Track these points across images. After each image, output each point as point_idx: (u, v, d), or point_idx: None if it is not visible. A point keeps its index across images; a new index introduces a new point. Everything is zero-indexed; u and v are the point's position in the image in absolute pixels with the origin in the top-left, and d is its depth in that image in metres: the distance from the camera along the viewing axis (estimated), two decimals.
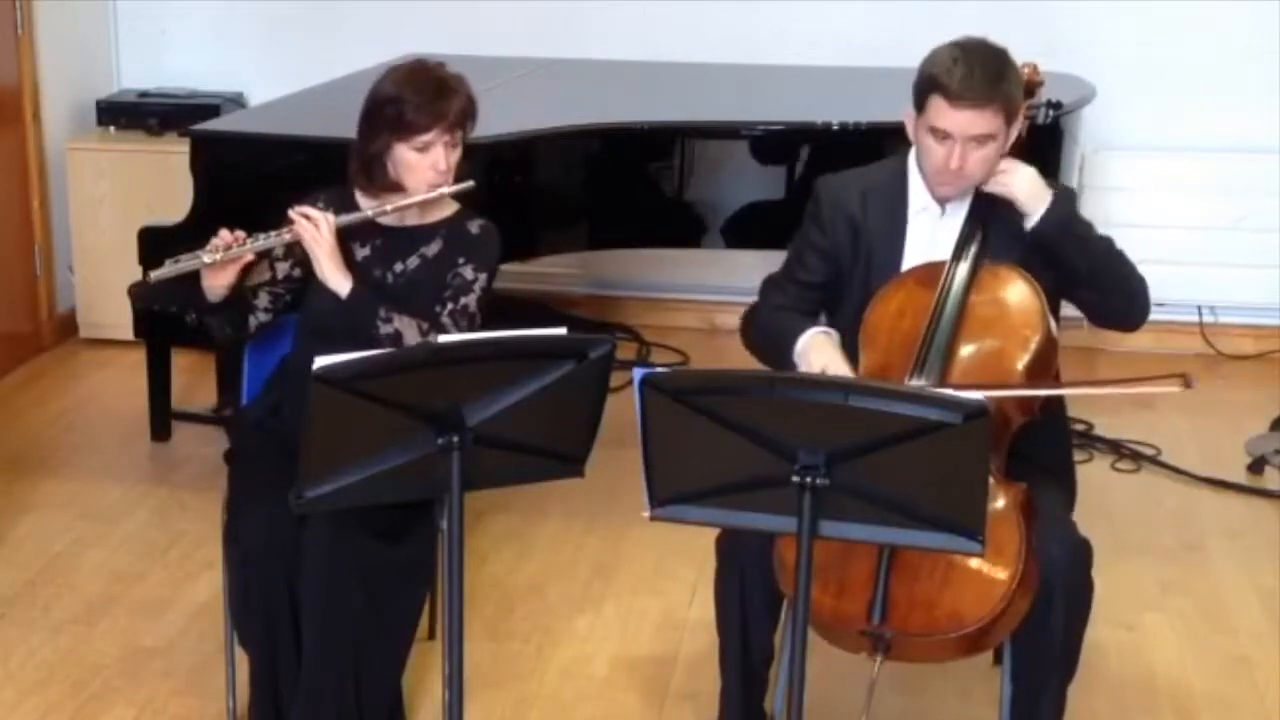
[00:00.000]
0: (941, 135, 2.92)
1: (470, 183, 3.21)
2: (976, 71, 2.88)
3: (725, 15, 5.68)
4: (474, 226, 3.28)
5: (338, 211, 3.18)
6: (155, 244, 4.32)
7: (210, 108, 5.51)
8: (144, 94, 5.79)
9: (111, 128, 5.69)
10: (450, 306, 3.19)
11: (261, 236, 3.12)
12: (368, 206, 3.21)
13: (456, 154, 3.18)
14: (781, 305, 3.13)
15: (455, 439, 2.48)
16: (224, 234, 3.10)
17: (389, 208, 3.18)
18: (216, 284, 3.11)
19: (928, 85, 2.93)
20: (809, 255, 3.13)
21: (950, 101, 2.89)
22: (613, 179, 4.54)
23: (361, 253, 3.24)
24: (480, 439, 2.51)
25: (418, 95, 3.12)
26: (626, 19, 5.70)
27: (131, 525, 4.26)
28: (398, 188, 3.19)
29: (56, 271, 5.67)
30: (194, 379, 4.95)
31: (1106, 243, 3.01)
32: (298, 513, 2.67)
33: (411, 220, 3.26)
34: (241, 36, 5.95)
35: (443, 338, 2.50)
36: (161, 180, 5.10)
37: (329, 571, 2.96)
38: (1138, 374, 2.90)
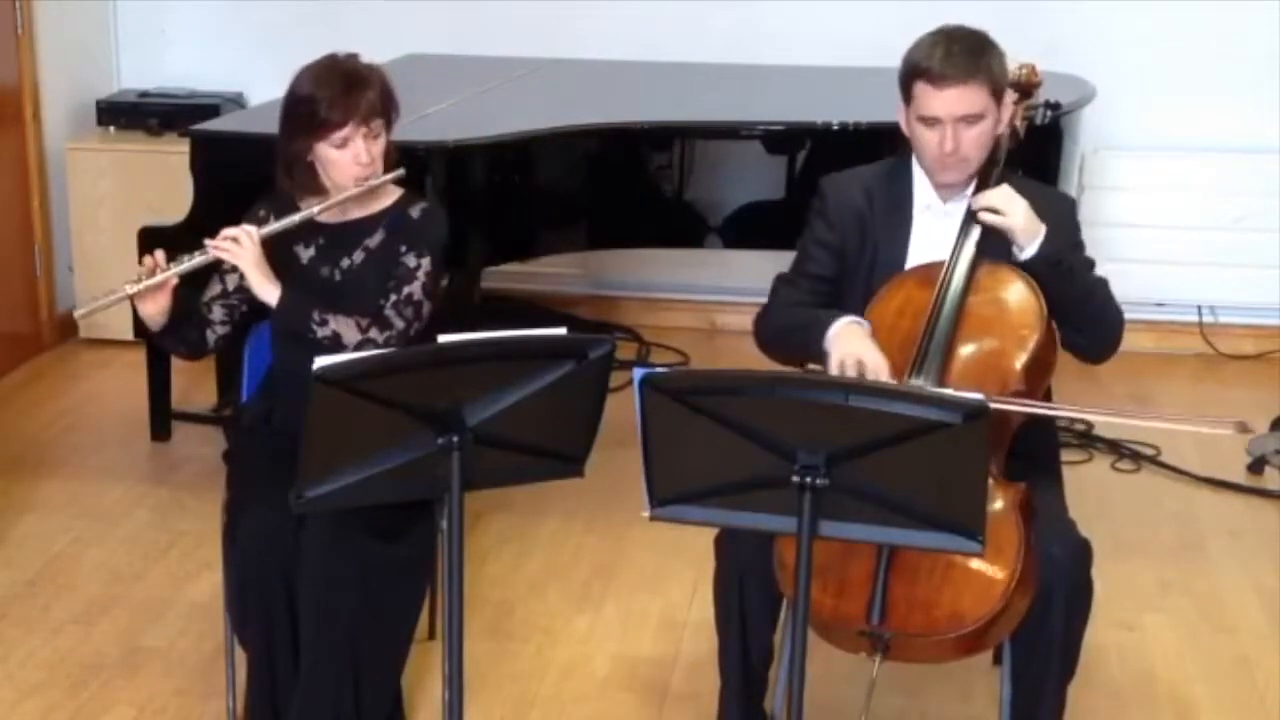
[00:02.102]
0: (931, 121, 2.93)
1: (400, 171, 3.21)
2: (956, 49, 2.90)
3: (725, 15, 5.68)
4: (415, 211, 3.25)
5: (279, 215, 3.18)
6: (155, 244, 4.26)
7: (210, 108, 5.51)
8: (144, 94, 5.79)
9: (111, 128, 5.69)
10: (394, 298, 3.17)
11: (185, 258, 3.10)
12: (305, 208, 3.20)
13: (379, 143, 3.17)
14: (797, 301, 3.11)
15: (455, 439, 2.48)
16: (146, 260, 3.11)
17: (315, 210, 3.16)
18: (152, 313, 3.12)
19: (911, 73, 2.95)
20: (818, 250, 3.12)
21: (934, 83, 2.90)
22: (612, 179, 4.54)
23: (306, 254, 3.23)
24: (480, 439, 2.51)
25: (329, 92, 3.11)
26: (626, 19, 5.70)
27: (131, 525, 4.26)
28: (327, 188, 3.18)
29: (56, 271, 5.67)
30: (194, 379, 4.95)
31: (1093, 284, 2.99)
32: (297, 512, 2.67)
33: (355, 214, 3.24)
34: (241, 36, 5.95)
35: (443, 337, 2.50)
36: (161, 180, 5.10)
37: (328, 571, 2.96)
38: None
